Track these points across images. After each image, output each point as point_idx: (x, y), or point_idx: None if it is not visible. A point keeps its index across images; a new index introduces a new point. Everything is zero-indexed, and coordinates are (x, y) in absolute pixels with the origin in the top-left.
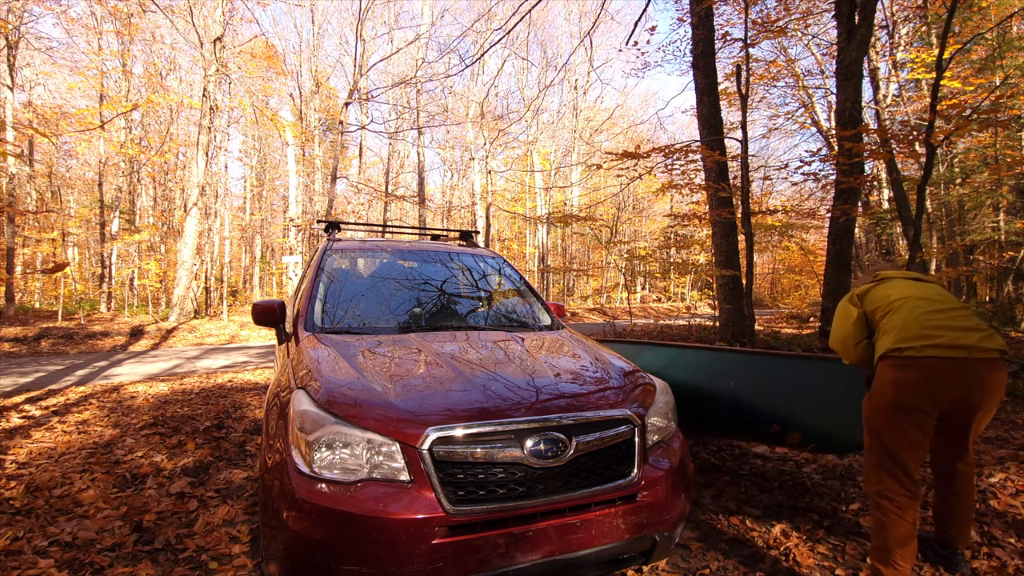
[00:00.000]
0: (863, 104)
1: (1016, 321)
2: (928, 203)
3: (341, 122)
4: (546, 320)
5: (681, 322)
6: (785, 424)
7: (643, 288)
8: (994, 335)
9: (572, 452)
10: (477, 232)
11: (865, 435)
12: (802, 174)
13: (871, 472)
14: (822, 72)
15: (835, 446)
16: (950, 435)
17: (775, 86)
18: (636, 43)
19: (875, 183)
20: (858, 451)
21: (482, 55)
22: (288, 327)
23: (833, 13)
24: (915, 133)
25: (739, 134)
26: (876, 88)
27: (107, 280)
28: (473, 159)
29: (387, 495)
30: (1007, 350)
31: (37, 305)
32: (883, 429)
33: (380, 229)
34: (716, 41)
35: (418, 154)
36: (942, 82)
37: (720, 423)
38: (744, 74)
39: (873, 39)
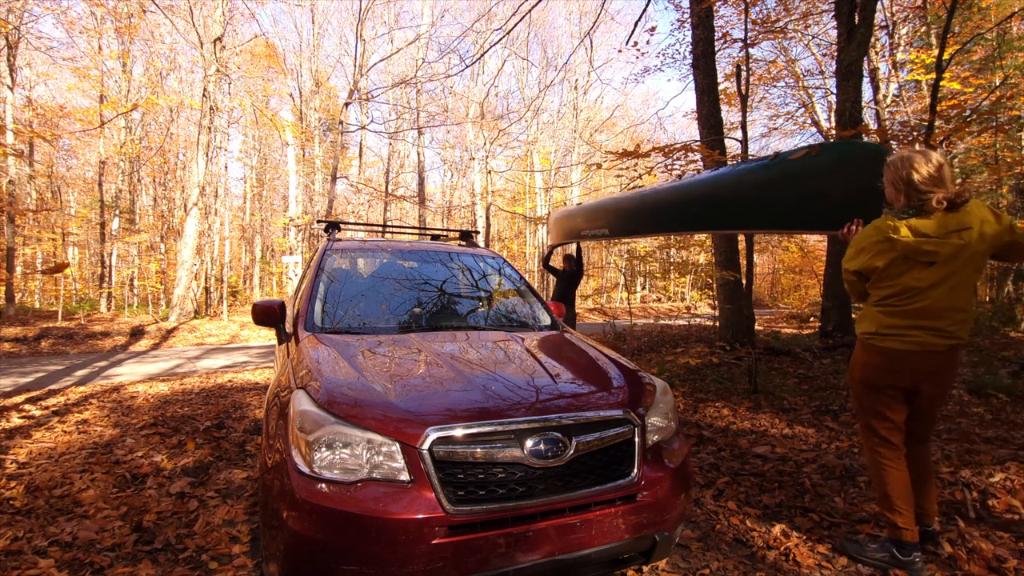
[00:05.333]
0: (863, 104)
1: (1016, 321)
2: None
3: (341, 122)
4: (546, 320)
5: (681, 322)
6: None
7: (643, 288)
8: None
9: (572, 452)
10: (477, 232)
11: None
12: None
13: (863, 432)
14: (822, 72)
15: None
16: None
17: (775, 86)
18: (636, 43)
19: None
20: None
21: (482, 55)
22: (288, 327)
23: (833, 13)
24: (915, 134)
25: (739, 134)
26: (876, 88)
27: (107, 280)
28: (473, 159)
29: (387, 495)
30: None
31: (37, 305)
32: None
33: (380, 229)
34: (716, 41)
35: (418, 154)
36: (942, 83)
37: None
38: (744, 74)
39: (873, 39)
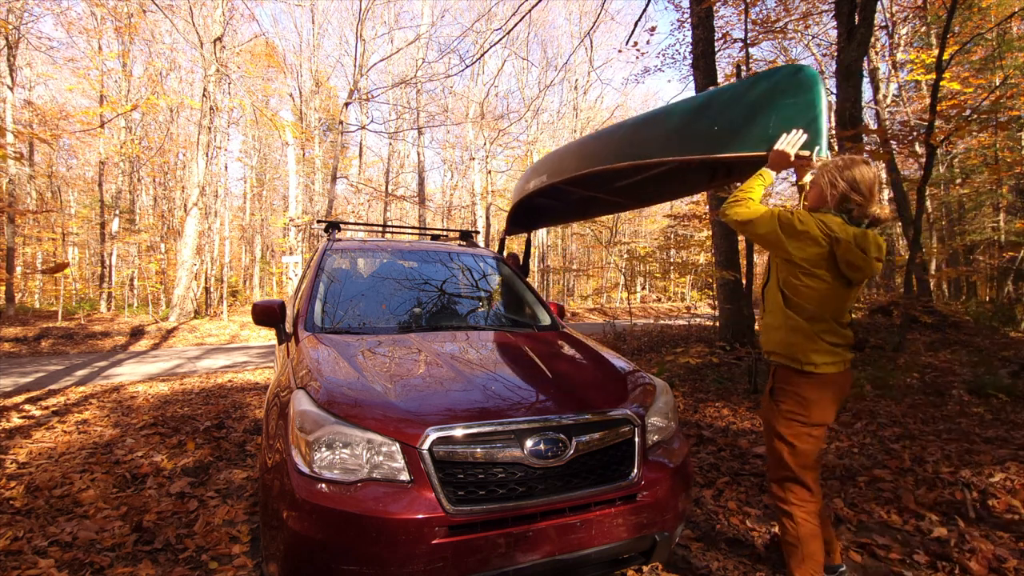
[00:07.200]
0: (863, 104)
1: (1016, 321)
2: (928, 203)
3: (341, 122)
4: (546, 320)
5: (681, 322)
6: None
7: (643, 288)
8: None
9: (572, 452)
10: (477, 232)
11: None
12: None
13: (780, 491)
14: (822, 72)
15: None
16: None
17: None
18: (636, 43)
19: None
20: None
21: (482, 55)
22: (288, 327)
23: (833, 13)
24: (915, 133)
25: None
26: (876, 88)
27: (107, 280)
28: (473, 159)
29: (387, 495)
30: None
31: (37, 305)
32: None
33: (380, 229)
34: (716, 41)
35: (418, 154)
36: (942, 83)
37: None
38: (744, 74)
39: (873, 39)
